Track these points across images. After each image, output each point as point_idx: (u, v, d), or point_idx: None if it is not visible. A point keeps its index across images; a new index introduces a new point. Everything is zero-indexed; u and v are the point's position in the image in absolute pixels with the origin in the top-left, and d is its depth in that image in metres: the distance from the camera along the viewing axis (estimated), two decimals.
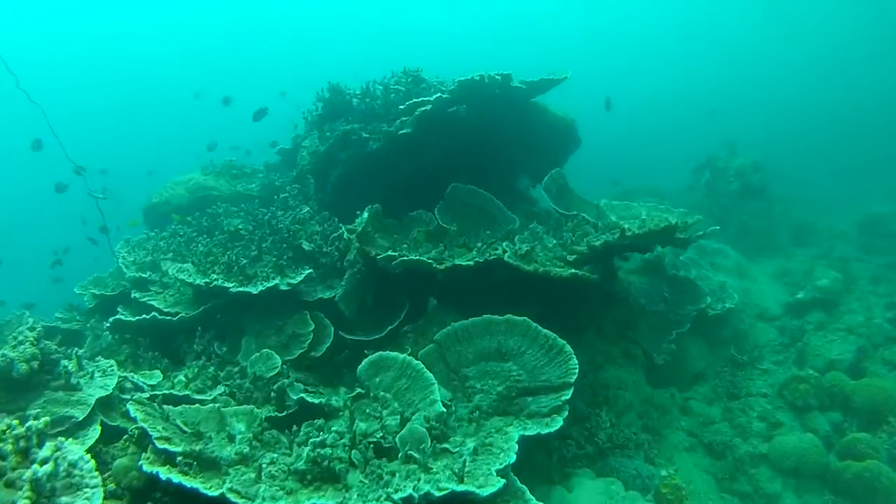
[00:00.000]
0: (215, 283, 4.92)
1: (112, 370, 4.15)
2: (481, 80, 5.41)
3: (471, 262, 4.55)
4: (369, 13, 42.93)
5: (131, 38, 39.42)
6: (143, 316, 5.02)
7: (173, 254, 5.82)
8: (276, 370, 4.52)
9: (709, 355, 6.96)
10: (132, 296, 5.53)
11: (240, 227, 5.99)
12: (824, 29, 33.09)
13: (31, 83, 6.76)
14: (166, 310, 5.17)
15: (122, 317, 5.12)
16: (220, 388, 4.43)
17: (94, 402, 3.73)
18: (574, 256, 4.90)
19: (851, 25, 31.14)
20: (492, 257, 4.60)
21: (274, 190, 7.67)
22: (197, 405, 3.98)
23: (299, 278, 4.97)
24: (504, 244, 4.77)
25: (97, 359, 4.52)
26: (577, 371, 4.17)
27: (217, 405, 3.99)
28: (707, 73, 31.30)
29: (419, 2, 43.58)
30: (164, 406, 3.81)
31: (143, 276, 5.71)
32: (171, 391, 4.25)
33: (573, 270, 4.52)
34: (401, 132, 5.16)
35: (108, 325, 5.24)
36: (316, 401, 4.08)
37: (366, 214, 4.93)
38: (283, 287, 4.92)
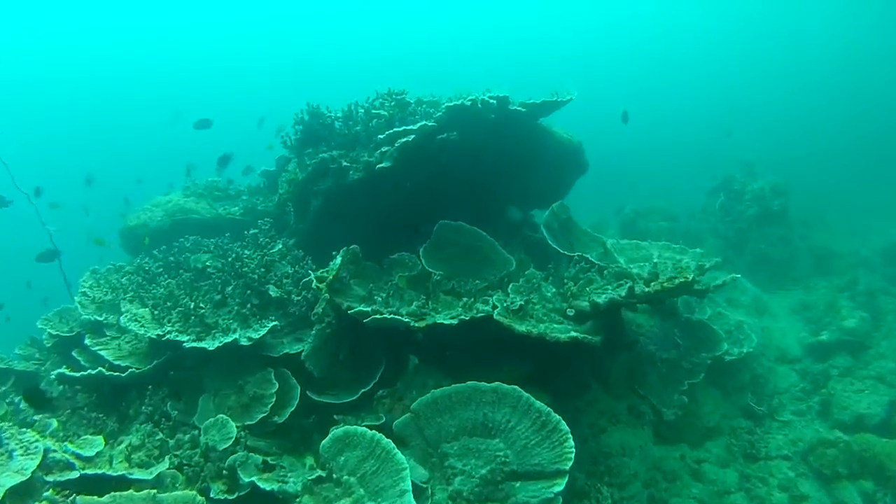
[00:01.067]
0: (168, 335, 4.37)
1: (36, 447, 3.60)
2: (473, 105, 4.84)
3: (454, 321, 3.97)
4: (373, 27, 42.37)
5: (131, 42, 39.02)
6: (88, 372, 4.47)
7: (132, 293, 5.28)
8: (232, 439, 3.96)
9: (724, 404, 6.35)
10: (84, 342, 4.99)
11: (208, 264, 5.44)
12: (836, 39, 32.29)
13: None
14: (116, 362, 4.62)
15: (66, 371, 4.57)
16: (166, 463, 3.87)
17: (2, 494, 3.18)
18: (574, 311, 4.31)
19: (867, 37, 30.32)
20: (480, 314, 4.02)
21: (256, 215, 7.13)
22: (130, 492, 3.43)
23: (262, 332, 4.41)
24: (495, 297, 4.18)
25: (31, 422, 3.99)
26: (572, 455, 3.59)
27: (153, 492, 3.44)
28: (721, 86, 30.40)
29: (426, 22, 42.99)
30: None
31: (98, 318, 5.17)
32: (105, 471, 3.69)
33: (573, 333, 3.93)
34: (379, 166, 4.59)
35: (55, 377, 4.71)
36: (268, 487, 3.52)
37: (338, 259, 4.37)
38: (244, 342, 4.36)
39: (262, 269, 4.83)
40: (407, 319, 3.92)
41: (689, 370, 5.85)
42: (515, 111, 5.56)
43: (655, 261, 5.10)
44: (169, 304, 4.81)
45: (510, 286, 4.49)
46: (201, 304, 4.73)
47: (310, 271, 4.74)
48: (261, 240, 5.32)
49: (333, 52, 41.17)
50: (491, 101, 4.91)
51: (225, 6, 39.09)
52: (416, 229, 5.53)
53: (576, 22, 40.81)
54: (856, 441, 5.46)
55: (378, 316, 3.92)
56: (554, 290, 4.65)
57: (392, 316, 3.92)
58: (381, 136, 4.60)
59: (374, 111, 5.01)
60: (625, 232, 10.41)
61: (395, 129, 4.54)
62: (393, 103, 4.97)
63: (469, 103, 4.70)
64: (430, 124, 4.53)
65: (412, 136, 4.47)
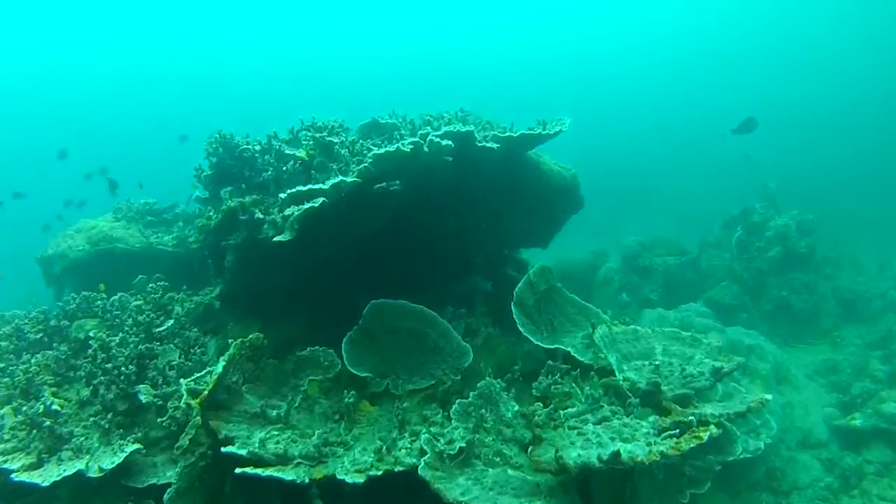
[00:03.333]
0: None
1: None
2: (417, 150, 3.61)
3: (360, 478, 2.79)
4: (371, 40, 40.87)
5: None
6: None
7: None
8: None
9: None
10: None
11: (91, 335, 4.31)
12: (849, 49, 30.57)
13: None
14: None
15: None
16: None
17: None
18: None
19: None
20: (399, 468, 2.85)
21: (189, 249, 5.98)
22: None
23: (116, 461, 3.25)
24: (423, 437, 3.00)
25: None
26: None
27: None
28: (740, 101, 28.61)
29: (426, 33, 41.37)
30: None
31: None
32: None
33: None
34: (276, 238, 3.40)
35: None
36: None
37: (220, 366, 3.20)
38: (93, 474, 3.21)
39: (134, 365, 3.65)
40: (291, 477, 2.75)
41: (693, 478, 4.67)
42: (485, 149, 4.39)
43: (657, 362, 3.92)
44: (19, 400, 3.68)
45: (455, 406, 3.33)
46: (55, 405, 3.59)
47: (194, 372, 3.57)
48: (142, 317, 4.12)
49: (330, 60, 39.92)
50: (443, 141, 3.70)
51: (217, 13, 37.51)
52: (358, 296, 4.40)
53: (588, 32, 39.14)
54: None
55: (252, 471, 2.75)
56: (516, 408, 3.48)
57: (273, 474, 2.75)
58: (283, 196, 3.40)
59: (286, 151, 3.81)
60: (627, 266, 9.19)
61: (299, 189, 3.33)
62: (311, 142, 3.75)
63: (409, 148, 3.49)
64: (348, 181, 3.33)
65: (318, 201, 3.27)
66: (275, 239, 3.36)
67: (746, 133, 7.51)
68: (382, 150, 3.35)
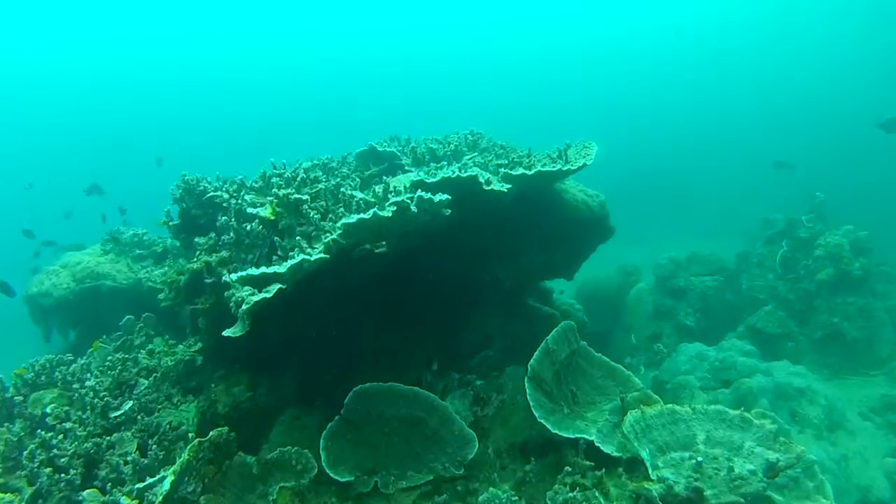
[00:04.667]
0: None
1: None
2: (400, 214, 2.95)
3: None
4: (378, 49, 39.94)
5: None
6: None
7: None
8: None
9: None
10: None
11: (48, 411, 3.80)
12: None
13: None
14: None
15: None
16: None
17: None
18: None
19: None
20: None
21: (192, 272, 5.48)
22: None
23: None
24: None
25: None
26: None
27: None
28: (785, 103, 26.91)
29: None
30: None
31: None
32: None
33: None
34: (226, 333, 2.80)
35: None
36: None
37: (166, 485, 2.64)
38: None
39: (81, 464, 3.12)
40: None
41: None
42: (493, 192, 3.77)
43: (700, 457, 3.25)
44: None
45: None
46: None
47: (153, 471, 3.02)
48: (95, 398, 3.56)
49: (339, 59, 39.18)
50: (437, 197, 3.05)
51: (218, 13, 36.84)
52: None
53: (616, 27, 37.75)
54: None
55: None
56: None
57: None
58: (235, 277, 2.78)
59: (248, 210, 3.21)
60: (660, 287, 8.44)
61: (250, 273, 2.72)
62: (274, 200, 3.12)
63: (391, 212, 2.85)
64: (311, 258, 2.70)
65: (273, 289, 2.66)
66: (224, 333, 2.78)
67: (890, 132, 6.97)
68: (354, 219, 2.73)
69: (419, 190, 3.05)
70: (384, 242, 3.30)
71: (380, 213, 2.78)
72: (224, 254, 3.60)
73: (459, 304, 4.87)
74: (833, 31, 30.09)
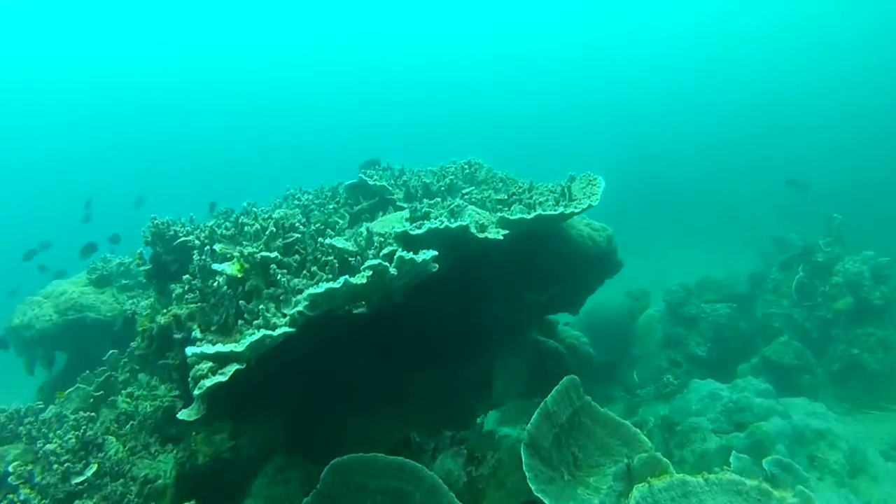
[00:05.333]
0: None
1: None
2: (377, 278, 2.64)
3: None
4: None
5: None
6: None
7: None
8: None
9: None
10: None
11: (11, 469, 3.54)
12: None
13: None
14: None
15: None
16: None
17: None
18: None
19: None
20: None
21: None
22: None
23: None
24: None
25: None
26: None
27: None
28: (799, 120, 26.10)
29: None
30: None
31: None
32: None
33: None
34: (179, 416, 2.52)
35: None
36: None
37: None
38: None
39: None
40: None
41: None
42: (486, 240, 3.49)
43: None
44: None
45: None
46: None
47: None
48: (57, 466, 3.28)
49: (342, 67, 38.99)
50: (420, 257, 2.76)
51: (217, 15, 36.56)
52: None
53: (627, 34, 37.32)
54: None
55: None
56: None
57: None
58: (189, 355, 2.49)
59: (214, 266, 2.92)
60: (671, 315, 8.11)
61: (204, 352, 2.44)
62: (241, 259, 2.81)
63: (366, 279, 2.54)
64: (274, 334, 2.42)
65: (230, 371, 2.38)
66: (179, 417, 2.50)
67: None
68: (322, 289, 2.43)
69: (400, 249, 2.77)
70: (363, 304, 3.02)
71: (352, 280, 2.49)
72: (194, 307, 3.33)
73: (456, 342, 4.60)
74: (843, 38, 29.65)
